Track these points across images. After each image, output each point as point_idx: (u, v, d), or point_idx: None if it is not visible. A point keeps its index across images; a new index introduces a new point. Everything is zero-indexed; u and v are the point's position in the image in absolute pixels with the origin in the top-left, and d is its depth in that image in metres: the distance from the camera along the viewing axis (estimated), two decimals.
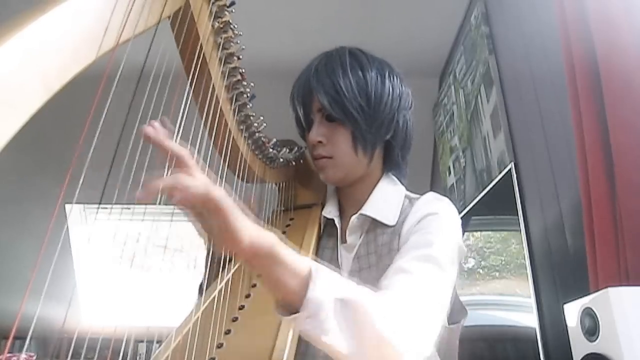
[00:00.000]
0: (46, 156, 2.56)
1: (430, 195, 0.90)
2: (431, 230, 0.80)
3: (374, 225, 0.89)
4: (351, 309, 0.61)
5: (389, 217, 0.88)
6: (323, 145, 0.89)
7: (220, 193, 0.54)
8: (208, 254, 0.86)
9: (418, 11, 2.46)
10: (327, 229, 0.98)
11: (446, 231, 0.81)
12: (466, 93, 2.46)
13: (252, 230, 0.57)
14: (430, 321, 0.69)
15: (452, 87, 2.69)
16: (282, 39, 2.64)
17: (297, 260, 0.61)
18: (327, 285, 0.60)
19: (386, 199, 0.92)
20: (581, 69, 1.26)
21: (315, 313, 0.59)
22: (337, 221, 0.94)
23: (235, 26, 0.75)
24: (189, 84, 0.69)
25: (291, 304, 0.60)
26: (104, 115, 0.46)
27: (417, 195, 0.93)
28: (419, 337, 0.66)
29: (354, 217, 0.90)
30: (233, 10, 0.73)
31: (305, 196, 1.13)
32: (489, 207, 2.12)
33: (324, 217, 0.97)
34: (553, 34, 1.43)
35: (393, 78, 0.91)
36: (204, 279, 0.89)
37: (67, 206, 2.99)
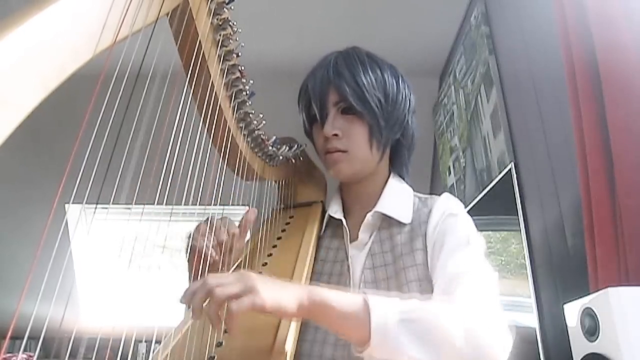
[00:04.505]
0: (47, 156, 2.55)
1: (446, 195, 0.94)
2: (461, 232, 0.84)
3: (388, 223, 0.90)
4: (418, 322, 0.65)
5: (403, 215, 0.90)
6: (338, 138, 0.89)
7: (260, 295, 0.60)
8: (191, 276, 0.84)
9: (418, 11, 2.46)
10: (331, 229, 0.96)
11: (472, 231, 0.86)
12: (466, 93, 2.46)
13: (293, 296, 0.63)
14: (498, 313, 0.72)
15: (452, 87, 2.68)
16: (283, 39, 2.64)
17: (347, 299, 0.65)
18: (387, 309, 0.64)
19: (398, 197, 0.93)
20: (581, 69, 1.26)
21: (384, 337, 0.62)
22: (344, 220, 0.94)
23: (234, 23, 0.75)
24: (187, 81, 0.69)
25: (361, 339, 0.64)
26: (100, 114, 0.46)
27: (426, 195, 0.95)
28: (497, 327, 0.69)
29: (369, 214, 0.90)
30: (232, 8, 0.73)
31: (305, 194, 1.13)
32: (489, 207, 2.12)
33: (330, 216, 0.96)
34: (553, 34, 1.43)
35: (403, 81, 0.94)
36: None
37: (67, 206, 2.99)
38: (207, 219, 0.83)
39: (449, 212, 0.87)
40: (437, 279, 0.80)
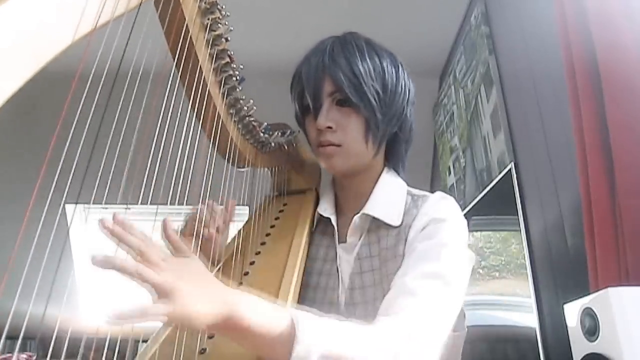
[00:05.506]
0: (46, 156, 2.55)
1: (437, 196, 0.87)
2: (439, 239, 0.77)
3: (377, 225, 0.85)
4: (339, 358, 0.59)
5: (393, 217, 0.84)
6: (332, 131, 0.83)
7: (177, 303, 0.52)
8: None
9: (418, 11, 2.46)
10: (321, 226, 0.93)
11: (454, 240, 0.78)
12: (466, 93, 2.45)
13: (208, 311, 0.55)
14: (430, 346, 0.67)
15: (452, 87, 2.68)
16: (282, 38, 2.64)
17: (273, 322, 0.59)
18: (313, 340, 0.58)
19: (389, 196, 0.88)
20: (581, 69, 1.26)
21: None
22: (333, 220, 0.90)
23: (223, 7, 0.73)
24: (174, 66, 0.66)
25: None
26: (77, 113, 0.45)
27: (420, 193, 0.90)
28: None
29: (356, 217, 0.85)
30: None
31: (299, 181, 1.10)
32: (489, 207, 2.11)
33: (319, 214, 0.92)
34: (553, 34, 1.43)
35: (403, 71, 0.89)
36: None
37: (67, 206, 3.00)
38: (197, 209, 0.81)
39: (434, 217, 0.81)
40: (394, 283, 0.74)
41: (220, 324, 0.56)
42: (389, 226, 0.84)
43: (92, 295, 3.53)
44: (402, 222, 0.84)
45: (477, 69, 2.28)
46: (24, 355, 2.70)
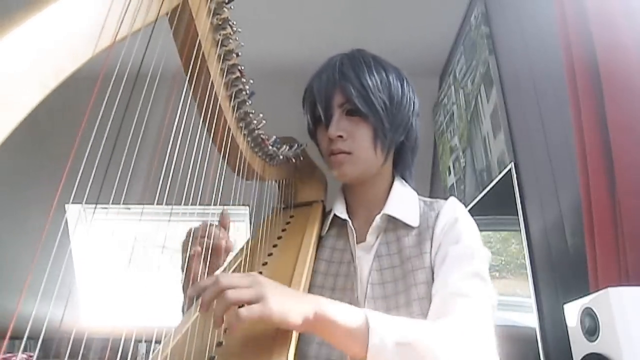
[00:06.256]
0: (47, 157, 2.56)
1: (455, 201, 0.94)
2: (466, 241, 0.85)
3: (394, 225, 0.90)
4: (412, 348, 0.66)
5: (412, 218, 0.90)
6: (343, 140, 0.89)
7: (269, 305, 0.62)
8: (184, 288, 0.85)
9: (418, 11, 2.46)
10: (335, 229, 0.96)
11: (477, 239, 0.87)
12: (466, 93, 2.46)
13: (300, 310, 0.64)
14: (489, 345, 0.73)
15: (452, 87, 2.68)
16: (285, 41, 2.64)
17: (350, 316, 0.67)
18: (385, 331, 0.66)
19: (404, 200, 0.94)
20: (581, 69, 1.26)
21: (379, 357, 0.65)
22: (350, 221, 0.93)
23: (234, 23, 0.75)
24: (187, 81, 0.69)
25: (358, 355, 0.66)
26: (100, 114, 0.46)
27: (431, 199, 0.96)
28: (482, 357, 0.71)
29: (377, 216, 0.90)
30: (232, 7, 0.73)
31: (306, 193, 1.12)
32: (489, 207, 2.12)
33: (335, 216, 0.96)
34: (553, 34, 1.43)
35: (408, 84, 0.95)
36: (185, 303, 0.87)
37: (67, 206, 3.00)
38: (202, 224, 0.84)
39: (456, 216, 0.88)
40: (437, 289, 0.81)
41: (310, 320, 0.64)
42: (407, 226, 0.90)
43: (94, 295, 3.53)
44: (419, 224, 0.90)
45: (477, 69, 2.29)
46: (23, 356, 2.70)
